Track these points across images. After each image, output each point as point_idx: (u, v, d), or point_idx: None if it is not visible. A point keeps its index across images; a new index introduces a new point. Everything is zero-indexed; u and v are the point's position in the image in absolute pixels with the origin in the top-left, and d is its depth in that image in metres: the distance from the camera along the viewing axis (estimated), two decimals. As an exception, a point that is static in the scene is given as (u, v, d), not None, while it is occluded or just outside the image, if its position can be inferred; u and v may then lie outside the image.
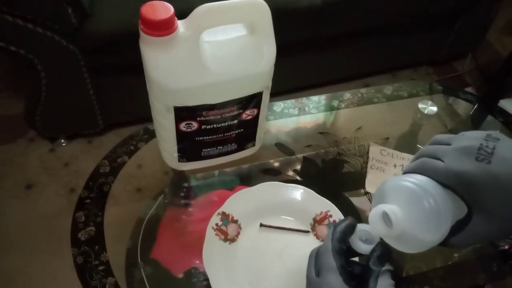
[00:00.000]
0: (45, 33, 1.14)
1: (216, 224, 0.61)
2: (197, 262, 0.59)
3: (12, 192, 1.37)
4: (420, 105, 0.83)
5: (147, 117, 0.67)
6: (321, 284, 0.39)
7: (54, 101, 1.32)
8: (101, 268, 0.59)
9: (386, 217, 0.39)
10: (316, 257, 0.42)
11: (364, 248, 0.42)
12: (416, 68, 1.91)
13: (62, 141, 1.50)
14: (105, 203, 0.66)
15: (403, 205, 0.39)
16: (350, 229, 0.42)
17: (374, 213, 0.40)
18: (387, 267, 0.40)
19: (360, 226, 0.43)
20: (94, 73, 1.29)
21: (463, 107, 0.91)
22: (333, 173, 0.74)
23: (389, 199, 0.40)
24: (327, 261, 0.40)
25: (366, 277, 0.40)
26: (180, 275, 0.59)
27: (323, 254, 0.41)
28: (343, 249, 0.41)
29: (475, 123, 0.90)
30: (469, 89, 1.75)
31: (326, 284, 0.39)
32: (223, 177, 0.72)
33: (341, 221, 0.42)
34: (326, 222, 0.63)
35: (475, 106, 0.91)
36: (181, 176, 0.71)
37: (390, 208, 0.38)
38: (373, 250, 0.41)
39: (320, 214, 0.64)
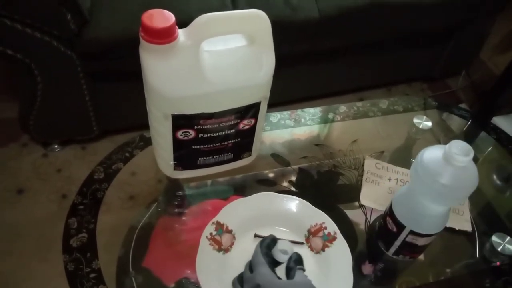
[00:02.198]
0: (43, 38, 1.14)
1: (210, 234, 0.61)
2: (189, 272, 0.59)
3: (3, 197, 1.35)
4: (415, 120, 0.83)
5: (142, 125, 0.67)
6: (255, 276, 0.51)
7: (49, 106, 1.32)
8: (92, 275, 0.58)
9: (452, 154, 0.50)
10: (250, 264, 0.55)
11: (283, 257, 0.57)
12: (411, 83, 1.93)
13: (56, 146, 1.48)
14: (98, 210, 0.65)
15: None
16: (273, 242, 0.57)
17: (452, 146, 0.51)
18: (300, 266, 0.56)
19: (280, 241, 0.58)
20: (91, 79, 1.29)
21: (457, 123, 0.92)
22: (328, 185, 0.74)
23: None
24: (259, 260, 0.53)
25: (286, 272, 0.56)
26: (172, 285, 0.59)
27: (255, 257, 0.55)
28: (269, 254, 0.56)
29: (469, 139, 0.91)
30: (462, 106, 1.77)
31: (258, 274, 0.51)
32: (217, 186, 0.72)
33: (267, 237, 0.58)
34: (320, 234, 0.63)
35: (469, 122, 0.92)
36: (175, 185, 0.71)
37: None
38: (290, 257, 0.57)
39: (315, 225, 0.64)
